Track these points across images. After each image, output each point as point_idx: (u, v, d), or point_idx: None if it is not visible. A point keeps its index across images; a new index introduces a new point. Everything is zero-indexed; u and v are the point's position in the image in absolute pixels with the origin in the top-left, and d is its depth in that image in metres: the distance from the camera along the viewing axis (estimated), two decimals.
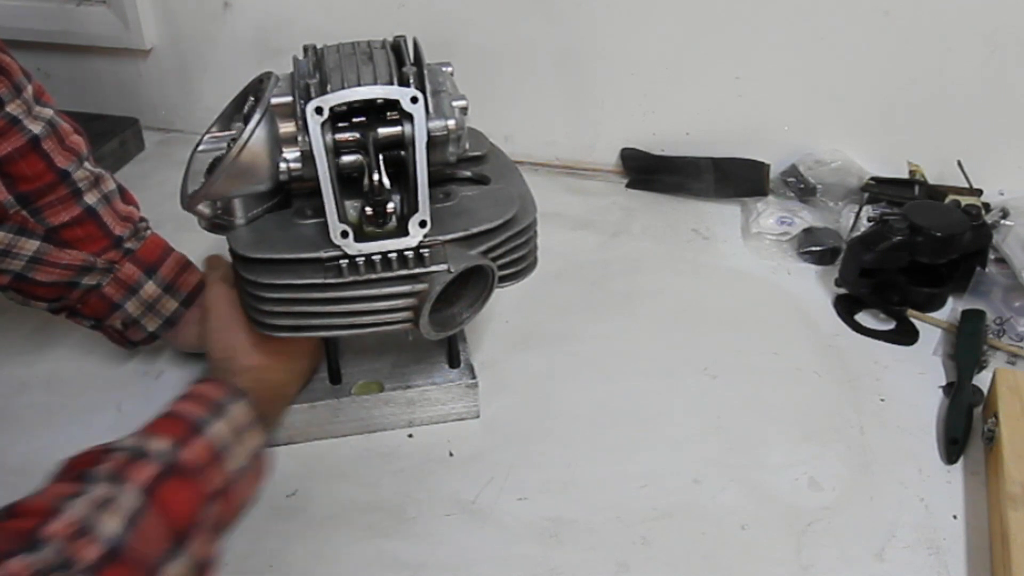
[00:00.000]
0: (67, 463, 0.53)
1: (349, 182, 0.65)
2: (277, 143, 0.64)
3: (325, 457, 0.75)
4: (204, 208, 0.67)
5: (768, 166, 1.10)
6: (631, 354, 0.86)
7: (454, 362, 0.78)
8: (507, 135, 1.13)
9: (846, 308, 0.91)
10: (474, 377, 0.77)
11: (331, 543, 0.67)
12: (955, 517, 0.69)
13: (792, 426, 0.77)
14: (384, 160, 0.64)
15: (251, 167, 0.64)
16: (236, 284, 0.71)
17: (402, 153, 0.64)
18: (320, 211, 0.63)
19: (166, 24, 1.21)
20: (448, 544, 0.67)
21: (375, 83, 0.63)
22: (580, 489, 0.72)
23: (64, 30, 1.22)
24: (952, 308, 0.91)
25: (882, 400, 0.80)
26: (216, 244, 0.72)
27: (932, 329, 0.88)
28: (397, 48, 0.67)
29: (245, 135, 0.63)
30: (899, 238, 0.86)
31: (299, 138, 0.63)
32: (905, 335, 0.88)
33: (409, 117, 0.61)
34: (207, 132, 0.72)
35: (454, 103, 0.65)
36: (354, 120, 0.64)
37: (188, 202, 0.66)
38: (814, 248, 0.98)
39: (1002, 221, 0.94)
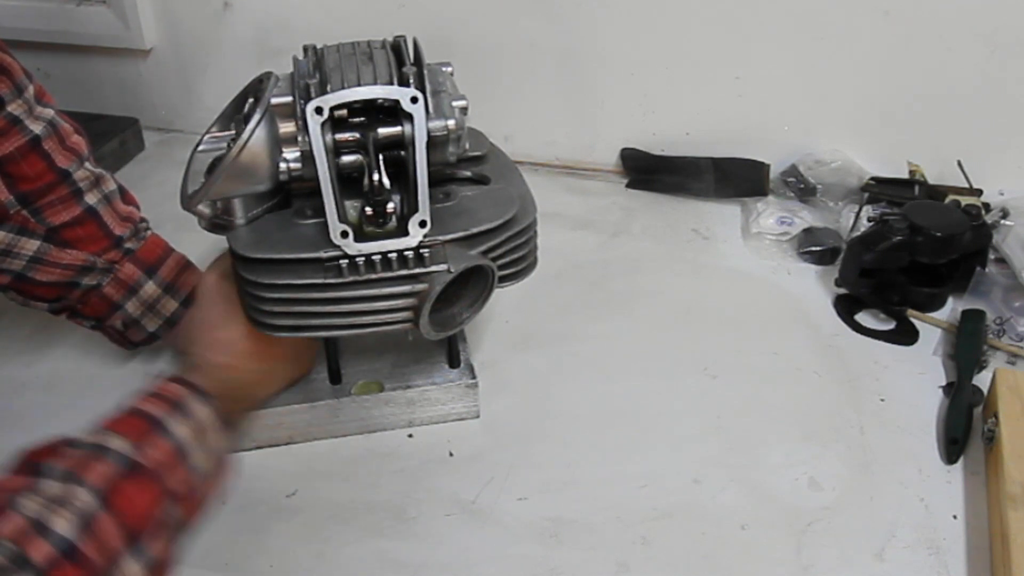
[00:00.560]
0: (24, 455, 0.52)
1: (349, 182, 0.65)
2: (277, 143, 0.64)
3: (325, 457, 0.75)
4: (204, 208, 0.67)
5: (768, 166, 1.10)
6: (631, 354, 0.86)
7: (454, 362, 0.78)
8: (507, 135, 1.13)
9: (846, 308, 0.91)
10: (474, 377, 0.77)
11: (331, 543, 0.67)
12: (955, 517, 0.69)
13: (792, 426, 0.77)
14: (384, 160, 0.64)
15: (251, 167, 0.64)
16: (235, 281, 0.70)
17: (402, 153, 0.64)
18: (320, 211, 0.63)
19: (166, 24, 1.21)
20: (448, 544, 0.67)
21: (375, 83, 0.63)
22: (580, 489, 0.72)
23: (64, 30, 1.22)
24: (952, 308, 0.91)
25: (882, 400, 0.80)
26: (216, 244, 0.72)
27: (932, 329, 0.88)
28: (397, 48, 0.67)
29: (245, 135, 0.63)
30: (899, 238, 0.86)
31: (299, 138, 0.63)
32: (905, 335, 0.88)
33: (409, 117, 0.61)
34: (207, 132, 0.72)
35: (454, 103, 0.65)
36: (354, 120, 0.64)
37: (188, 202, 0.66)
38: (814, 248, 0.98)
39: (1002, 221, 0.94)
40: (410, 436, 0.77)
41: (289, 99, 0.64)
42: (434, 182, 0.66)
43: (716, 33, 1.05)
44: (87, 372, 0.84)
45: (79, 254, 0.74)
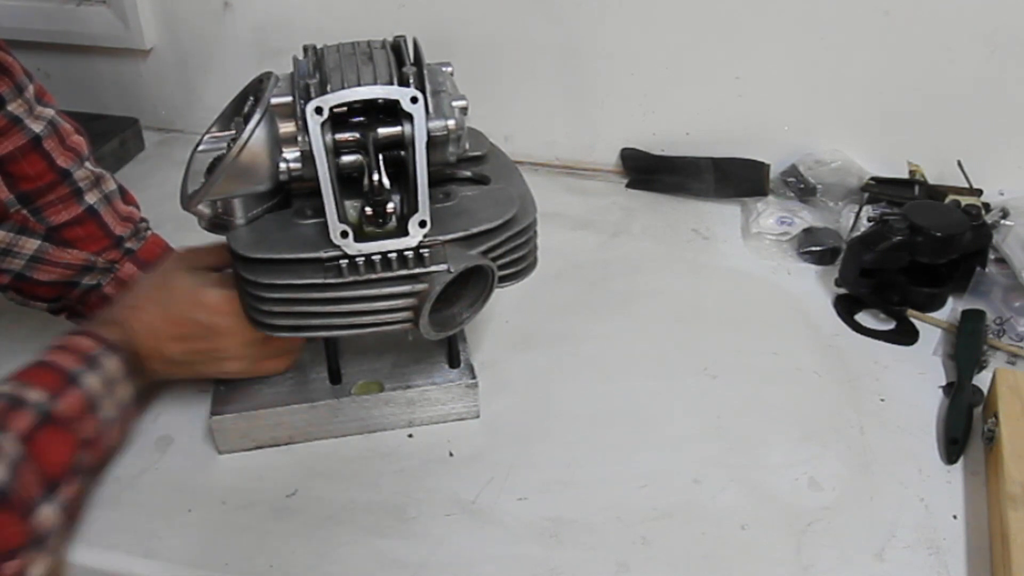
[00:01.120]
0: None
1: (349, 182, 0.65)
2: (277, 143, 0.64)
3: (325, 457, 0.75)
4: (204, 208, 0.67)
5: (768, 166, 1.10)
6: (631, 354, 0.86)
7: (454, 362, 0.78)
8: (507, 135, 1.13)
9: (846, 308, 0.91)
10: (474, 377, 0.77)
11: (331, 543, 0.67)
12: (955, 517, 0.69)
13: (792, 426, 0.77)
14: (384, 160, 0.64)
15: (251, 167, 0.65)
16: (235, 280, 0.70)
17: (402, 153, 0.64)
18: (320, 211, 0.63)
19: (166, 24, 1.21)
20: (448, 544, 0.67)
21: (375, 83, 0.63)
22: (580, 489, 0.72)
23: (64, 30, 1.22)
24: (952, 308, 0.91)
25: (882, 400, 0.80)
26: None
27: (932, 329, 0.88)
28: (397, 48, 0.67)
29: (245, 135, 0.63)
30: (899, 238, 0.86)
31: (299, 138, 0.63)
32: (905, 335, 0.88)
33: (409, 117, 0.61)
34: (207, 132, 0.72)
35: (454, 103, 0.65)
36: (354, 120, 0.64)
37: (188, 202, 0.66)
38: (814, 248, 0.98)
39: (1002, 221, 0.94)
40: (410, 436, 0.77)
41: (289, 99, 0.64)
42: (434, 182, 0.66)
43: (716, 33, 1.05)
44: None
45: (79, 254, 0.74)
